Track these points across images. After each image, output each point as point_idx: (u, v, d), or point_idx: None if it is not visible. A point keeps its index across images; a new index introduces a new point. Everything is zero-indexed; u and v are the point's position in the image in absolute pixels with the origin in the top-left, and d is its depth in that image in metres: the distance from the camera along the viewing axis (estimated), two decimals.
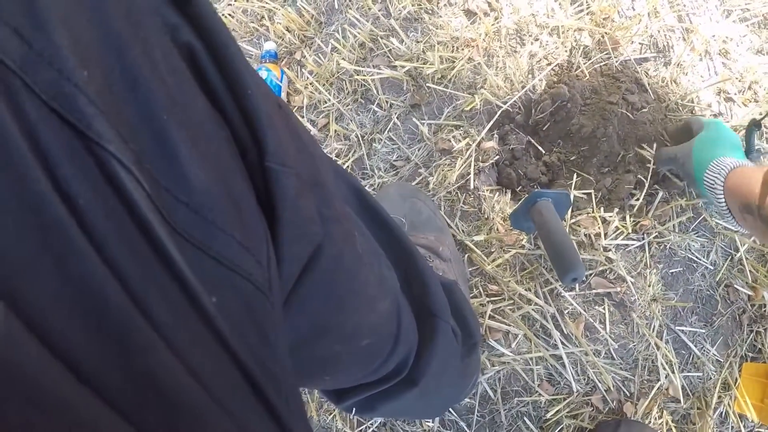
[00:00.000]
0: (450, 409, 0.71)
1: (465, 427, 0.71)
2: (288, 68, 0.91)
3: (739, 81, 0.85)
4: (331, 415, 0.72)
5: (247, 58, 0.93)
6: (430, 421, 0.70)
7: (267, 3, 0.95)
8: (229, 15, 0.98)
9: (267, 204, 0.24)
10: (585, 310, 0.72)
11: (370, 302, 0.35)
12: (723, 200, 0.59)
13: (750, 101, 0.84)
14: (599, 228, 0.72)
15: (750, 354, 0.76)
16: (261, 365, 0.21)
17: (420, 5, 0.86)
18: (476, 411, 0.71)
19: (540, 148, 0.75)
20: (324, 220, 0.28)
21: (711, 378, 0.74)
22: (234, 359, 0.20)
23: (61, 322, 0.15)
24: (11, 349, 0.14)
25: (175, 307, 0.18)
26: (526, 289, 0.71)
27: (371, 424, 0.70)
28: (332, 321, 0.32)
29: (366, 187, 0.80)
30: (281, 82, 0.88)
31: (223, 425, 0.19)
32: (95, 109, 0.16)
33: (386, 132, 0.80)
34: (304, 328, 0.30)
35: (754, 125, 0.65)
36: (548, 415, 0.70)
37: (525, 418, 0.70)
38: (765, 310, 0.76)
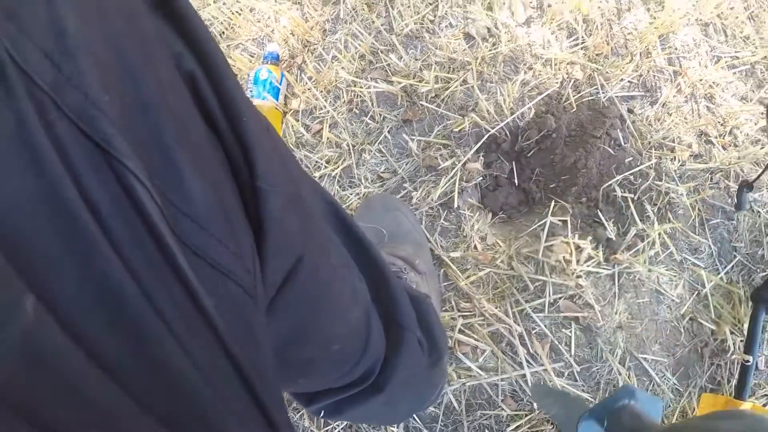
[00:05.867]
0: (415, 417, 0.79)
1: None
2: (288, 71, 1.00)
3: (721, 125, 0.95)
4: (299, 414, 0.80)
5: (250, 58, 1.02)
6: (395, 427, 0.79)
7: (274, 4, 1.05)
8: (237, 12, 1.07)
9: (255, 219, 0.28)
10: (552, 332, 0.81)
11: (343, 311, 0.41)
12: None
13: (729, 145, 0.94)
14: (572, 255, 0.82)
15: (709, 386, 0.85)
16: (251, 363, 0.25)
17: (422, 24, 0.96)
18: (440, 420, 0.79)
19: (516, 179, 0.85)
20: (303, 234, 0.32)
21: (670, 406, 0.83)
22: (229, 355, 0.24)
23: (83, 314, 0.18)
24: (39, 336, 0.16)
25: (180, 305, 0.21)
26: (496, 308, 0.80)
27: (337, 425, 0.78)
28: (308, 328, 0.37)
29: (352, 196, 0.89)
30: (280, 84, 0.97)
31: (223, 415, 0.23)
32: (115, 129, 0.19)
33: (377, 144, 0.90)
34: (282, 334, 0.34)
35: (746, 186, 0.74)
36: (509, 430, 0.78)
37: (486, 430, 0.79)
38: (726, 345, 0.85)
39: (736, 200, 0.73)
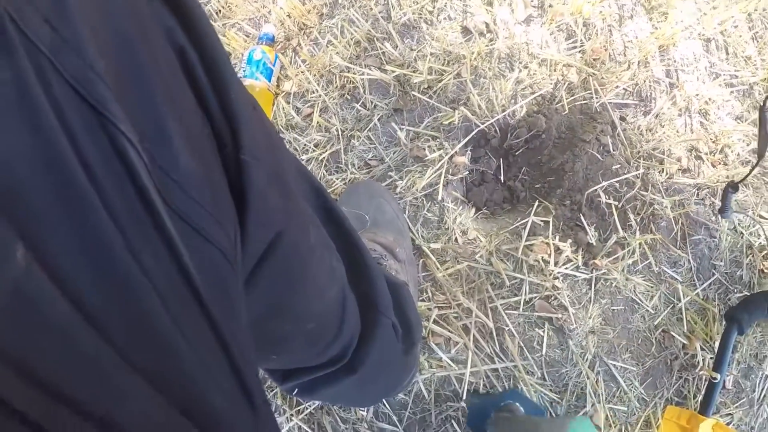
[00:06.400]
0: (385, 403, 0.79)
1: (396, 422, 0.79)
2: (282, 54, 1.00)
3: (713, 142, 0.96)
4: (273, 392, 0.80)
5: (245, 37, 1.02)
6: (365, 410, 0.79)
7: None
8: None
9: (237, 190, 0.29)
10: (525, 330, 0.82)
11: (319, 289, 0.42)
12: None
13: (719, 163, 0.95)
14: (551, 256, 0.82)
15: (676, 398, 0.86)
16: (227, 325, 0.26)
17: (420, 15, 0.96)
18: (409, 408, 0.79)
19: (502, 176, 0.85)
20: (284, 211, 0.34)
21: (635, 414, 0.83)
22: (206, 314, 0.24)
23: (71, 266, 0.19)
24: (28, 284, 0.17)
25: (163, 263, 0.22)
26: (471, 301, 0.80)
27: (309, 405, 0.79)
28: (284, 303, 0.38)
29: (338, 181, 0.89)
30: (273, 65, 0.97)
31: (200, 371, 0.23)
32: (110, 93, 0.20)
33: (366, 131, 0.90)
34: (259, 307, 0.35)
35: (731, 187, 0.75)
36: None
37: (453, 422, 0.79)
38: (696, 361, 0.86)
39: (720, 203, 0.73)
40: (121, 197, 0.21)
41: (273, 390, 0.80)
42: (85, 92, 0.20)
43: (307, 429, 0.79)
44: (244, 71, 0.94)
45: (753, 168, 0.73)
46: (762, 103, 0.67)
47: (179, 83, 0.26)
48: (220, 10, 1.08)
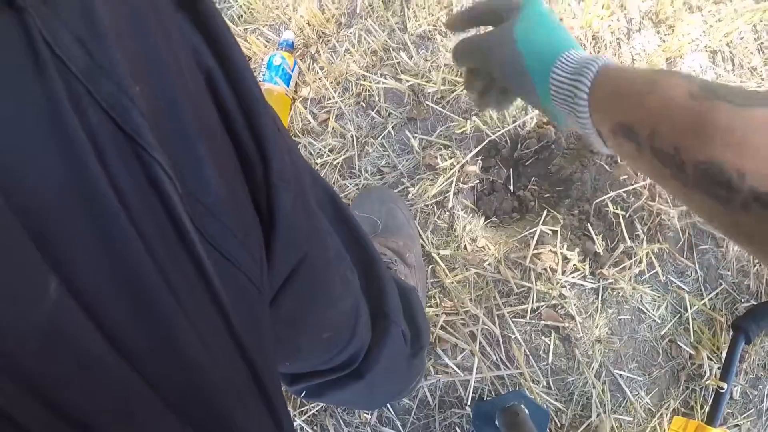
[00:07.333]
0: (389, 407, 0.82)
1: (400, 427, 0.81)
2: (301, 60, 1.03)
3: None
4: None
5: (265, 42, 1.06)
6: (369, 414, 0.81)
7: None
8: None
9: (266, 213, 0.29)
10: (532, 338, 0.83)
11: (334, 301, 0.42)
12: (587, 117, 0.41)
13: None
14: (558, 265, 0.84)
15: (682, 409, 0.87)
16: (256, 350, 0.26)
17: (435, 26, 0.99)
18: (413, 413, 0.82)
19: (512, 185, 0.87)
20: (308, 230, 0.34)
21: (641, 424, 0.85)
22: (237, 342, 0.24)
23: (104, 296, 0.19)
24: (61, 317, 0.17)
25: (197, 293, 0.22)
26: (478, 308, 0.82)
27: (313, 407, 0.81)
28: (301, 318, 0.39)
29: (351, 186, 0.92)
30: (292, 71, 1.00)
31: (229, 399, 0.23)
32: (144, 120, 0.20)
33: (380, 138, 0.93)
34: (277, 322, 0.35)
35: None
36: None
37: (457, 429, 0.81)
38: (703, 370, 0.87)
39: None
40: (155, 227, 0.21)
41: None
42: (120, 119, 0.19)
43: (309, 430, 0.81)
44: (263, 75, 0.97)
45: None
46: None
47: (207, 105, 0.26)
48: (241, 15, 1.11)
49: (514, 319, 0.83)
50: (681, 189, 0.34)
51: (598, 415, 0.83)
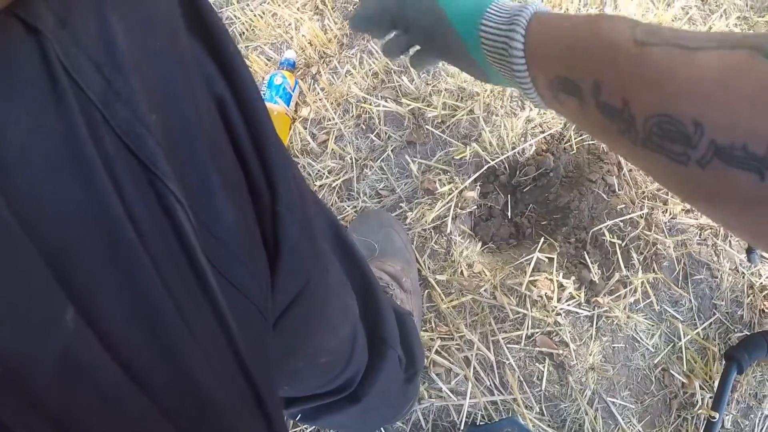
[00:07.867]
0: (382, 431, 0.82)
1: None
2: (302, 80, 1.04)
3: None
4: None
5: (266, 61, 1.07)
6: None
7: (296, 12, 1.09)
8: (260, 15, 1.12)
9: (271, 242, 0.29)
10: (526, 365, 0.84)
11: (333, 328, 0.43)
12: (525, 72, 0.37)
13: None
14: (554, 292, 0.85)
15: None
16: (263, 381, 0.26)
17: None
18: None
19: (509, 212, 0.88)
20: (311, 257, 0.34)
21: None
22: (245, 373, 0.25)
23: (120, 327, 0.19)
24: (77, 346, 0.17)
25: (209, 324, 0.23)
26: (473, 334, 0.83)
27: (306, 428, 0.82)
28: (300, 343, 0.40)
29: (349, 208, 0.93)
30: (293, 91, 1.01)
31: (234, 419, 0.24)
32: (159, 149, 0.20)
33: (379, 161, 0.94)
34: (278, 348, 0.36)
35: None
36: None
37: None
38: (695, 399, 0.88)
39: (748, 245, 0.75)
40: (169, 257, 0.21)
41: None
42: (135, 147, 0.19)
43: None
44: (264, 94, 0.98)
45: None
46: None
47: (219, 133, 0.26)
48: (243, 32, 1.12)
49: (508, 345, 0.84)
50: (631, 147, 0.30)
51: None
